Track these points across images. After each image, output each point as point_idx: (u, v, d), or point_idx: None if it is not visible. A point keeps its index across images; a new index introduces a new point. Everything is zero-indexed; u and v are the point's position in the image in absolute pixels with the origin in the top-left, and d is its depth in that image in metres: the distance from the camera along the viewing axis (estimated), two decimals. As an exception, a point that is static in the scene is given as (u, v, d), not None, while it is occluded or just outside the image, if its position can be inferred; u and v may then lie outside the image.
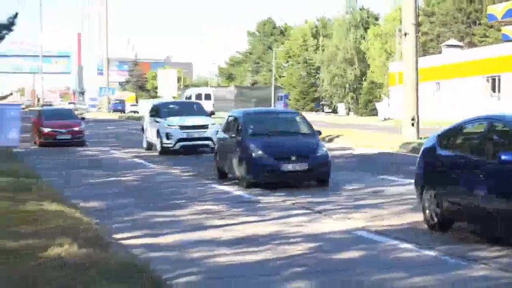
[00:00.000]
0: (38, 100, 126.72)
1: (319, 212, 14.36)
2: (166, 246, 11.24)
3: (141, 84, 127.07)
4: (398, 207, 14.80)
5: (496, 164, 10.06)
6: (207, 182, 20.35)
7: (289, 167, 17.12)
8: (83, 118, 38.16)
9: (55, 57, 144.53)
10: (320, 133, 19.30)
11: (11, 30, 31.86)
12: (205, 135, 26.39)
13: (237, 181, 18.64)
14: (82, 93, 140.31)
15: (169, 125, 27.76)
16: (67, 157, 29.37)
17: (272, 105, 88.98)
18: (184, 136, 27.47)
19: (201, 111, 30.96)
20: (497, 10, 52.57)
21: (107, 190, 18.60)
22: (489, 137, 11.11)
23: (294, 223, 13.24)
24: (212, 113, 30.75)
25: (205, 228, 12.91)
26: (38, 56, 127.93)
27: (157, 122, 28.81)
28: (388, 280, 8.93)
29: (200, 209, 15.30)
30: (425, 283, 8.73)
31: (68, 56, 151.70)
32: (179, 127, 27.61)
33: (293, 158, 17.20)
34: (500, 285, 8.62)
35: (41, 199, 13.58)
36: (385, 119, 62.06)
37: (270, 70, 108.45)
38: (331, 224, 13.08)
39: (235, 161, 18.16)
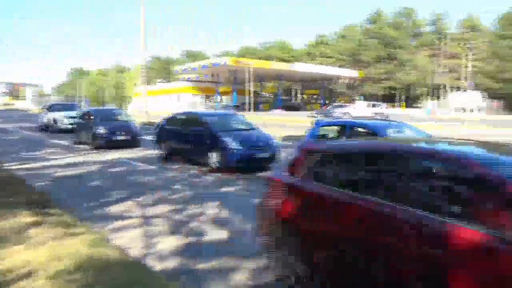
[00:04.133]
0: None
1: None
2: (32, 169, 9.72)
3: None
4: (143, 149, 13.81)
5: (190, 132, 10.25)
6: (56, 141, 16.90)
7: None
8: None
9: None
10: None
11: None
12: None
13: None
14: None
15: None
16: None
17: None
18: None
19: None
20: (178, 68, 55.99)
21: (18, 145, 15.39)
22: (187, 120, 10.76)
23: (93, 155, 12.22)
24: None
25: (50, 160, 11.35)
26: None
27: None
28: (137, 178, 8.69)
29: (49, 151, 13.34)
30: (149, 179, 8.64)
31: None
32: None
33: None
34: (176, 178, 8.71)
35: None
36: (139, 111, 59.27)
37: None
38: (112, 155, 12.10)
39: None
